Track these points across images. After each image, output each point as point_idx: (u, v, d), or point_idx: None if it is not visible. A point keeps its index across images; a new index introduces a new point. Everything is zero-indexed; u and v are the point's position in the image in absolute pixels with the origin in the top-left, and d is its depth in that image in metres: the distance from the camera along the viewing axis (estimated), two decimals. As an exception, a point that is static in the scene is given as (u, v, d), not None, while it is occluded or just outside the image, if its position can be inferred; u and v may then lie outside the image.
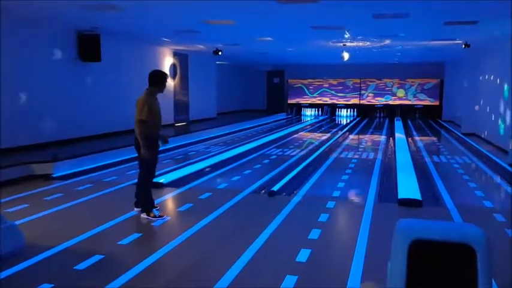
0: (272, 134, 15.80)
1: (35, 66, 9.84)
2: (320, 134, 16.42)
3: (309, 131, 17.64)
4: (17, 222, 4.73)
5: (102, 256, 4.27)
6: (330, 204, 6.28)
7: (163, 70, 7.49)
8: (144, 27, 10.85)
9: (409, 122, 21.12)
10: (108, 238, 4.83)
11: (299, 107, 25.82)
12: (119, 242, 4.66)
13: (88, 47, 11.09)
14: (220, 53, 15.36)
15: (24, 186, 7.29)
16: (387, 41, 13.24)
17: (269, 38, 12.69)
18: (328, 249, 4.62)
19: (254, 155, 10.83)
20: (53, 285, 3.66)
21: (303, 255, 4.34)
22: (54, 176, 7.90)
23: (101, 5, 7.88)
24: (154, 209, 5.60)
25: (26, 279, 3.82)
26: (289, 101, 25.85)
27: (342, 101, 25.12)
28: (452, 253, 1.78)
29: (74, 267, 4.01)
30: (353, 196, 6.99)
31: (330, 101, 25.32)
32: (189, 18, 9.54)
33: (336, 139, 14.49)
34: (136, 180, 5.98)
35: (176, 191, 7.09)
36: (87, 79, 11.59)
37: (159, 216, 5.53)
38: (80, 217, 5.70)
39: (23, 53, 9.52)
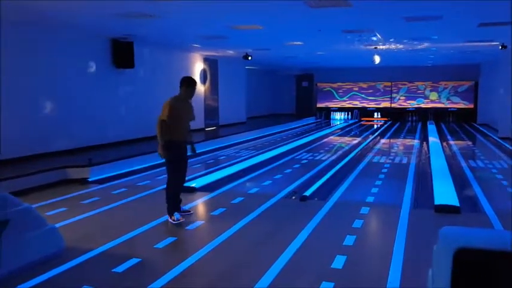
0: (302, 138, 15.73)
1: (71, 72, 10.12)
2: (350, 138, 16.25)
3: (339, 135, 17.48)
4: (56, 225, 4.84)
5: (139, 259, 4.34)
6: (364, 210, 6.20)
7: (193, 76, 7.59)
8: (175, 33, 11.03)
9: (443, 126, 20.67)
10: (144, 242, 4.91)
11: (328, 111, 25.64)
12: (155, 246, 4.73)
13: (122, 53, 11.35)
14: (250, 58, 15.42)
15: (62, 190, 7.49)
16: (422, 45, 13.01)
17: (299, 42, 12.67)
18: (364, 255, 4.56)
19: (284, 160, 10.80)
20: (92, 287, 3.74)
21: (339, 261, 4.29)
22: (90, 180, 8.09)
23: (135, 13, 8.05)
24: (176, 213, 5.65)
25: (66, 281, 3.92)
26: (318, 105, 25.71)
27: (372, 105, 24.81)
28: (498, 262, 1.72)
29: (112, 270, 4.09)
30: (387, 202, 6.88)
31: (360, 105, 25.05)
32: (218, 24, 9.64)
33: (367, 143, 14.31)
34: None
35: (208, 196, 7.14)
36: (121, 85, 11.84)
37: (178, 220, 5.56)
38: (116, 221, 5.81)
39: (60, 60, 9.82)
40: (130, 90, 12.12)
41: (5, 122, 8.59)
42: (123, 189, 7.50)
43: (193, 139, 6.30)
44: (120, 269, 4.12)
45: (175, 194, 5.74)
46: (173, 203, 5.69)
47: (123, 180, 8.29)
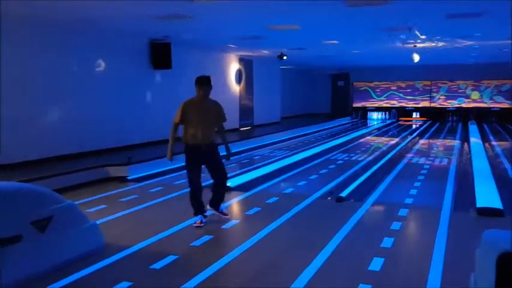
0: (337, 138, 15.56)
1: (111, 74, 10.39)
2: (388, 139, 15.94)
3: (376, 136, 17.18)
4: (97, 222, 4.98)
5: (176, 257, 4.40)
6: (403, 211, 6.05)
7: (227, 76, 7.55)
8: (211, 34, 11.14)
9: (485, 126, 19.96)
10: (181, 239, 4.97)
11: (365, 111, 25.26)
12: (192, 244, 4.78)
13: (160, 54, 11.55)
14: (285, 58, 15.39)
15: (102, 187, 7.70)
16: (463, 43, 12.61)
17: (335, 41, 12.53)
18: (402, 258, 4.45)
19: (319, 160, 10.71)
20: (131, 283, 3.81)
21: (376, 263, 4.21)
22: (129, 178, 8.29)
23: (173, 15, 8.18)
24: (196, 216, 5.52)
25: (106, 276, 4.01)
26: (355, 105, 25.37)
27: (411, 104, 24.26)
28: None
29: (150, 267, 4.16)
30: (427, 203, 6.70)
31: (398, 104, 24.55)
32: (254, 25, 9.67)
33: (406, 144, 13.99)
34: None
35: (243, 195, 7.17)
36: (158, 86, 12.06)
37: (195, 223, 5.45)
38: (154, 218, 5.92)
39: (101, 62, 10.10)
40: (167, 91, 12.32)
41: (50, 121, 8.91)
42: (159, 188, 7.63)
43: (228, 141, 5.95)
44: (157, 265, 4.19)
45: (193, 197, 5.55)
46: (194, 205, 5.56)
47: (159, 178, 8.44)
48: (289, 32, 10.58)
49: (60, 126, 9.14)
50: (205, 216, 5.57)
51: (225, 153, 5.82)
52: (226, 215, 5.77)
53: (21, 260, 3.73)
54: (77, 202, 5.97)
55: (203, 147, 5.42)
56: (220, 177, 5.71)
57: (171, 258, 4.35)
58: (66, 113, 9.31)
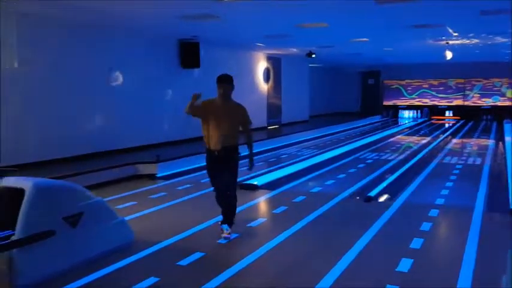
0: (367, 137, 15.36)
1: (141, 73, 10.57)
2: (419, 138, 15.62)
3: (407, 135, 16.87)
4: (126, 218, 5.08)
5: (203, 254, 4.44)
6: (433, 212, 5.92)
7: (255, 75, 7.49)
8: (239, 33, 11.17)
9: (521, 125, 19.29)
10: (208, 237, 5.02)
11: (396, 109, 24.82)
12: (219, 241, 4.82)
13: (188, 54, 11.67)
14: (313, 56, 15.29)
15: (132, 184, 7.85)
16: (498, 39, 12.21)
17: (364, 39, 12.36)
18: (432, 259, 4.35)
19: (348, 159, 10.60)
20: (159, 279, 3.88)
21: (405, 264, 4.13)
22: (158, 176, 8.42)
23: (201, 14, 8.25)
24: (222, 224, 5.03)
25: (135, 272, 4.09)
26: (385, 103, 24.96)
27: (443, 102, 23.69)
28: None
29: (177, 263, 4.21)
30: (459, 204, 6.53)
31: (430, 103, 24.01)
32: (282, 23, 9.64)
33: (438, 143, 13.68)
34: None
35: (270, 194, 7.17)
36: (187, 85, 12.18)
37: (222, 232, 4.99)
38: (182, 215, 6.00)
39: (131, 62, 10.29)
40: (196, 90, 12.42)
41: (83, 121, 9.14)
42: (188, 185, 7.72)
43: (252, 148, 5.20)
44: (184, 262, 4.24)
45: (219, 203, 5.11)
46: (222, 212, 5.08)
47: (187, 176, 8.53)
48: (317, 30, 10.49)
49: (93, 125, 9.36)
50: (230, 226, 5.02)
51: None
52: (224, 235, 4.93)
53: (54, 254, 3.85)
54: (107, 199, 6.13)
55: (218, 153, 4.88)
56: (225, 200, 5.02)
57: (198, 255, 4.40)
58: (99, 113, 9.52)
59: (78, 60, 9.01)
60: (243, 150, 5.12)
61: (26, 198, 3.70)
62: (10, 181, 3.96)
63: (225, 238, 4.90)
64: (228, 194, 5.00)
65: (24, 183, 3.82)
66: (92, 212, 4.31)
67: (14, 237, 3.62)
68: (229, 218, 5.02)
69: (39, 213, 3.76)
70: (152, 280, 3.84)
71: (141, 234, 4.94)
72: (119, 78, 9.94)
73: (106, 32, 9.55)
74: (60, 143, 8.63)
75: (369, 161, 10.34)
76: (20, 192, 3.77)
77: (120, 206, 6.21)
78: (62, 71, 8.71)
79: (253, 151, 5.23)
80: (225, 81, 4.94)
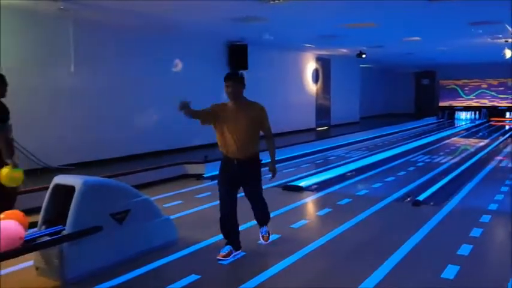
0: (420, 139, 14.89)
1: (192, 75, 10.81)
2: (476, 140, 14.95)
3: (463, 137, 16.19)
4: (172, 217, 5.23)
5: (243, 253, 4.49)
6: (485, 218, 5.65)
7: (305, 76, 7.42)
8: (287, 34, 11.17)
9: None
10: (249, 237, 5.04)
11: (452, 110, 23.86)
12: (259, 241, 4.85)
13: (236, 56, 11.82)
14: (363, 56, 15.01)
15: (180, 184, 8.06)
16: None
17: (417, 38, 11.99)
18: (480, 267, 4.16)
19: (398, 162, 10.32)
20: (199, 276, 3.97)
21: (450, 271, 3.98)
22: (205, 176, 8.58)
23: (250, 17, 8.34)
24: (227, 245, 4.48)
25: (177, 268, 4.21)
26: (441, 104, 24.07)
27: (503, 103, 22.49)
28: None
29: (219, 262, 4.29)
30: (514, 210, 6.19)
31: (489, 103, 22.88)
32: (331, 23, 9.55)
33: (496, 146, 13.02)
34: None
35: (315, 195, 7.12)
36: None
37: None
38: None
39: (183, 65, 10.57)
40: (244, 92, 12.56)
41: (137, 121, 9.50)
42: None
43: (274, 154, 4.59)
44: (225, 261, 4.31)
45: (220, 221, 4.49)
46: (221, 231, 4.52)
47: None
48: (367, 30, 10.31)
49: (145, 126, 9.70)
50: (236, 249, 4.45)
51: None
52: (264, 239, 4.75)
53: (100, 249, 4.03)
54: (155, 197, 6.33)
55: (237, 162, 4.34)
56: (256, 208, 4.68)
57: (239, 255, 4.45)
58: (150, 114, 9.85)
59: (130, 62, 9.37)
60: (264, 157, 4.62)
61: (75, 195, 3.91)
62: (63, 179, 4.19)
63: (264, 240, 4.70)
64: (258, 202, 4.64)
65: (75, 180, 4.03)
66: (139, 209, 4.47)
67: (64, 232, 3.83)
68: (265, 220, 4.80)
69: (87, 210, 3.95)
70: (193, 277, 3.94)
71: (185, 233, 5.07)
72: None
73: (157, 36, 9.86)
74: (113, 143, 9.01)
75: (420, 164, 10.02)
76: (71, 189, 3.98)
77: (167, 205, 6.39)
78: (115, 73, 9.09)
79: (275, 158, 4.58)
80: (232, 78, 4.30)
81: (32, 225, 4.07)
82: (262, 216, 4.78)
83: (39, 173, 7.31)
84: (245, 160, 4.35)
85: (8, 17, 7.31)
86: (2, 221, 3.58)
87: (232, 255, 4.38)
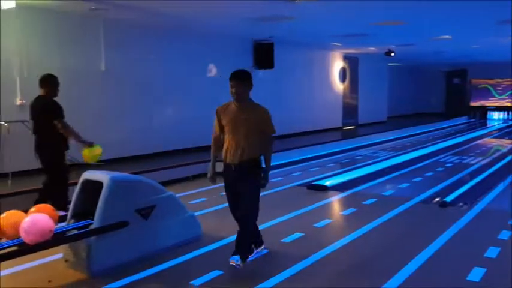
0: (449, 139, 14.57)
1: (218, 74, 10.91)
2: (509, 141, 14.53)
3: (496, 137, 15.75)
4: (196, 213, 5.30)
5: (266, 251, 4.51)
6: (515, 220, 5.51)
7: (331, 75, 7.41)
8: (314, 33, 11.12)
9: None
10: (272, 235, 5.06)
11: (484, 110, 23.22)
12: (282, 240, 4.86)
13: (263, 55, 11.85)
14: (392, 55, 14.79)
15: (204, 182, 8.11)
16: None
17: (447, 36, 11.73)
18: (507, 270, 4.05)
19: (427, 162, 10.14)
20: (223, 272, 4.02)
21: (476, 273, 3.90)
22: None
23: (276, 16, 8.35)
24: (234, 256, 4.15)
25: (200, 264, 4.27)
26: (472, 104, 23.45)
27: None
28: None
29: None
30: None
31: (523, 103, 22.17)
32: (358, 21, 9.46)
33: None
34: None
35: (340, 195, 7.08)
36: (261, 86, 12.35)
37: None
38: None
39: (209, 63, 10.69)
40: (269, 90, 12.58)
41: (164, 120, 9.66)
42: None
43: (269, 161, 4.21)
44: (249, 258, 4.34)
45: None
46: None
47: (259, 175, 8.66)
48: (396, 28, 10.16)
49: (172, 124, 9.86)
50: (257, 247, 4.39)
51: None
52: (232, 262, 4.06)
53: (126, 244, 4.13)
54: (180, 194, 6.41)
55: (234, 168, 4.08)
56: (242, 213, 4.16)
57: (261, 252, 4.48)
58: (177, 112, 10.00)
59: (159, 61, 9.53)
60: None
61: (103, 190, 4.02)
62: (92, 174, 4.31)
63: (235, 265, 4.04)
64: (246, 208, 4.10)
65: (103, 176, 4.14)
66: (164, 205, 4.56)
67: (92, 226, 3.95)
68: (241, 246, 4.14)
69: (114, 205, 4.05)
70: (216, 273, 3.99)
71: (209, 229, 5.13)
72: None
73: (184, 34, 10.00)
74: (141, 140, 9.20)
75: (449, 165, 9.82)
76: (99, 185, 4.10)
77: (192, 202, 6.48)
78: (144, 72, 9.27)
79: (270, 165, 4.21)
80: (237, 77, 4.00)
81: (62, 219, 4.22)
82: (240, 238, 4.17)
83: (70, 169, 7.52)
84: (242, 165, 4.05)
85: (39, 16, 7.55)
86: (33, 215, 3.72)
87: (255, 253, 4.36)
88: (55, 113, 5.19)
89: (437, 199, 6.66)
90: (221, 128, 4.18)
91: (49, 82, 5.30)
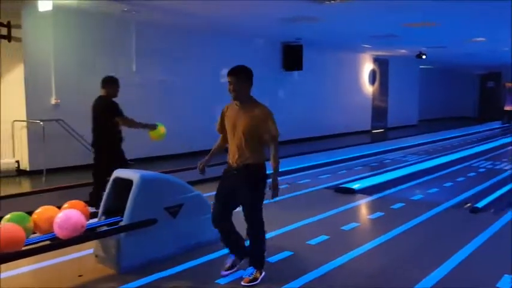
0: (482, 144, 14.20)
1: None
2: (544, 147, 14.02)
3: (530, 143, 15.22)
4: (223, 213, 5.34)
5: (291, 253, 4.52)
6: (549, 228, 5.34)
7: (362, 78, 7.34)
8: (344, 35, 11.05)
9: None
10: (298, 236, 5.08)
11: (519, 115, 22.50)
12: (308, 242, 4.86)
13: (291, 56, 11.85)
14: (424, 57, 14.53)
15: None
16: None
17: (481, 39, 11.45)
18: (541, 280, 3.94)
19: (458, 167, 9.93)
20: (247, 272, 4.04)
21: (506, 281, 3.80)
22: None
23: (304, 17, 8.35)
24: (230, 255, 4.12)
25: (226, 264, 4.31)
26: (507, 108, 22.74)
27: None
28: None
29: (266, 259, 4.32)
30: None
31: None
32: (389, 23, 9.35)
33: None
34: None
35: (368, 198, 7.01)
36: (289, 87, 12.37)
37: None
38: (275, 214, 6.08)
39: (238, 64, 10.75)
40: (298, 92, 12.57)
41: (193, 120, 9.79)
42: (284, 186, 7.83)
43: (277, 167, 3.76)
44: (272, 259, 4.36)
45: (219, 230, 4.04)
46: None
47: (285, 177, 8.63)
48: (428, 30, 10.00)
49: (201, 125, 9.98)
50: (241, 259, 4.08)
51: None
52: (244, 281, 3.80)
53: (154, 241, 4.21)
54: (206, 194, 6.49)
55: (234, 171, 3.82)
56: (248, 225, 3.85)
57: (286, 254, 4.49)
58: (206, 113, 10.11)
59: (188, 62, 9.67)
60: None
61: (133, 188, 4.11)
62: (122, 173, 4.42)
63: (244, 282, 3.77)
64: (250, 219, 3.81)
65: (133, 175, 4.24)
66: (191, 204, 4.63)
67: (121, 223, 4.05)
68: (251, 254, 3.92)
69: (143, 203, 4.14)
70: (241, 273, 4.02)
71: (235, 229, 5.16)
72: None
73: (214, 36, 10.11)
74: (170, 140, 9.33)
75: (482, 170, 9.58)
76: (129, 182, 4.20)
77: (219, 202, 6.53)
78: (174, 73, 9.42)
79: (278, 171, 3.76)
80: (234, 73, 3.79)
81: (93, 215, 4.34)
82: (252, 250, 3.90)
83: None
84: (243, 171, 3.74)
85: (73, 18, 7.79)
86: (66, 210, 3.84)
87: (236, 268, 4.02)
88: (115, 111, 5.55)
89: (468, 204, 6.51)
90: (223, 128, 3.98)
91: (109, 83, 5.68)
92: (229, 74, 3.77)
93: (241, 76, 3.77)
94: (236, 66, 3.87)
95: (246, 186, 3.75)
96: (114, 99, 5.66)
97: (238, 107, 3.81)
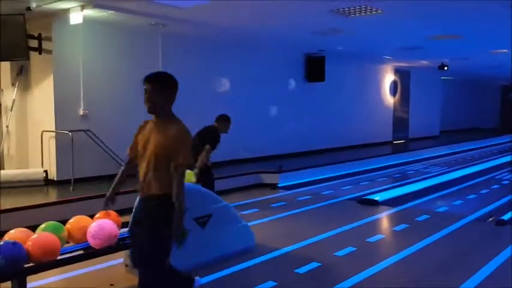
0: (506, 156, 14.00)
1: (271, 87, 11.05)
2: None
3: (556, 155, 14.94)
4: (249, 224, 5.41)
5: (319, 264, 4.55)
6: None
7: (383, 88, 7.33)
8: (366, 46, 11.08)
9: None
10: (325, 248, 5.11)
11: (543, 126, 22.10)
12: (335, 253, 4.88)
13: (314, 68, 11.92)
14: (446, 68, 14.45)
15: (256, 192, 8.28)
16: None
17: (504, 50, 11.36)
18: None
19: (481, 179, 9.83)
20: (276, 283, 4.09)
21: (538, 297, 3.78)
22: (279, 185, 8.74)
23: (329, 29, 8.42)
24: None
25: (255, 274, 4.37)
26: (530, 119, 22.40)
27: None
28: None
29: (295, 270, 4.39)
30: None
31: None
32: (412, 35, 9.36)
33: None
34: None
35: (391, 210, 7.00)
36: (312, 98, 12.40)
37: None
38: (300, 225, 6.18)
39: (263, 76, 10.86)
40: (320, 103, 12.60)
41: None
42: (307, 197, 7.88)
43: (180, 204, 2.97)
44: (301, 270, 4.40)
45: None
46: None
47: (308, 188, 8.70)
48: (450, 42, 9.96)
49: (227, 136, 10.06)
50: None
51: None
52: None
53: (184, 251, 4.28)
54: (233, 204, 6.55)
55: (140, 201, 3.15)
56: (140, 275, 3.07)
57: (314, 265, 4.53)
58: (234, 125, 10.21)
59: (213, 73, 9.81)
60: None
61: (164, 198, 4.20)
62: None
63: None
64: (145, 264, 3.01)
65: (163, 185, 4.33)
66: (220, 215, 4.70)
67: (153, 232, 4.12)
68: None
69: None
70: (270, 284, 4.07)
71: (262, 240, 5.22)
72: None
73: (240, 47, 10.22)
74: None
75: (505, 182, 9.46)
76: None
77: (244, 212, 6.61)
78: (198, 84, 9.56)
79: (182, 208, 2.95)
80: (151, 80, 3.07)
81: (124, 225, 4.44)
82: None
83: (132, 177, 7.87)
84: (147, 202, 3.06)
85: (101, 30, 8.00)
86: (100, 220, 3.95)
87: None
88: (212, 141, 5.96)
89: (493, 217, 6.45)
90: (132, 150, 3.24)
91: (222, 120, 6.21)
92: (146, 80, 3.05)
93: (161, 85, 3.06)
94: (156, 72, 3.17)
95: (147, 220, 3.00)
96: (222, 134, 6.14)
97: (152, 125, 3.11)
